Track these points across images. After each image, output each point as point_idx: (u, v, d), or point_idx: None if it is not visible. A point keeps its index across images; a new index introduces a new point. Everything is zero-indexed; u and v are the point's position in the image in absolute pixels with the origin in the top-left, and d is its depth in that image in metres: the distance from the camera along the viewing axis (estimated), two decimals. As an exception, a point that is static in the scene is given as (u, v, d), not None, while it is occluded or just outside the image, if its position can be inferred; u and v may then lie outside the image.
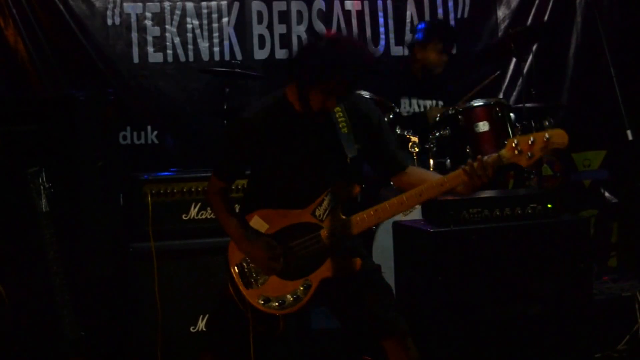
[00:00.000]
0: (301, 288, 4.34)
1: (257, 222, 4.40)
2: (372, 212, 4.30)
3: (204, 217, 5.59)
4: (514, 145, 4.14)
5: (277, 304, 4.35)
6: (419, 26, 7.36)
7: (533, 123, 6.60)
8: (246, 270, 4.41)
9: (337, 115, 4.37)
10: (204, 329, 5.42)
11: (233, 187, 4.93)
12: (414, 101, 6.87)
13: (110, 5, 7.14)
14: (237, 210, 4.60)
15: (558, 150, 4.59)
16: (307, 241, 4.34)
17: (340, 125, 4.38)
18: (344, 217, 4.30)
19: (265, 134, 4.34)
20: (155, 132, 7.18)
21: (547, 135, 4.14)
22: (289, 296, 4.34)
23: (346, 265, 4.33)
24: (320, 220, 4.32)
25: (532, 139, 4.12)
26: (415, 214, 5.77)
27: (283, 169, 4.38)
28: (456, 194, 4.40)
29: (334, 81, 4.09)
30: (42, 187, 5.17)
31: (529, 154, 4.13)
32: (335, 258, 4.32)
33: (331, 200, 4.31)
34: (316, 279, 4.33)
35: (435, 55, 6.94)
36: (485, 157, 4.16)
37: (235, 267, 4.44)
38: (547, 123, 6.66)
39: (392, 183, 4.55)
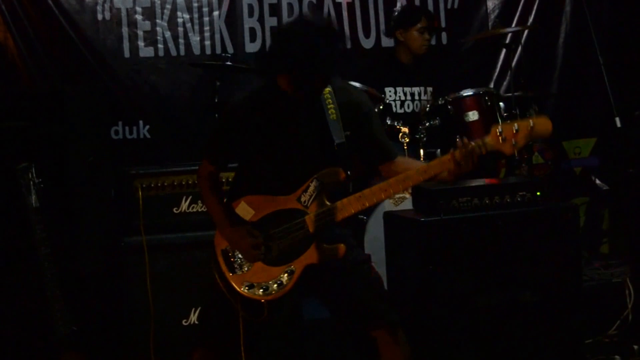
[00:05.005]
0: (285, 274, 4.33)
1: (244, 208, 4.40)
2: (356, 198, 4.30)
3: (195, 210, 5.58)
4: (498, 133, 4.15)
5: (261, 290, 4.33)
6: (398, 11, 7.42)
7: (518, 111, 6.59)
8: (231, 255, 4.40)
9: (326, 102, 4.36)
10: (196, 322, 5.40)
11: (223, 180, 4.90)
12: (400, 89, 6.81)
13: (100, 0, 7.09)
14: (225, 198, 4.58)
15: (542, 138, 4.59)
16: (292, 227, 4.33)
17: (329, 112, 4.36)
18: (329, 203, 4.30)
19: (254, 118, 4.36)
20: (147, 127, 7.14)
21: (531, 124, 4.17)
22: (272, 282, 4.33)
23: (330, 252, 4.32)
24: (305, 206, 4.32)
25: (516, 127, 4.15)
26: (406, 204, 5.77)
27: (271, 154, 4.38)
28: (440, 182, 4.42)
29: (310, 61, 4.07)
30: (32, 183, 5.15)
31: (513, 141, 4.15)
32: (319, 244, 4.31)
33: (317, 186, 4.31)
34: (300, 265, 4.32)
35: (417, 36, 6.92)
36: (469, 145, 4.16)
37: (221, 252, 4.43)
38: (531, 111, 6.63)
39: (381, 172, 4.50)
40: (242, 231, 4.35)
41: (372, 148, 4.51)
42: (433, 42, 7.82)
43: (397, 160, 4.47)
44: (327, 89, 4.37)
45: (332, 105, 4.37)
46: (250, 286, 4.35)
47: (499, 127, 4.15)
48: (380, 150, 4.50)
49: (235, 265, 4.40)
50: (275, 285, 4.31)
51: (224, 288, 4.41)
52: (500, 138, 4.16)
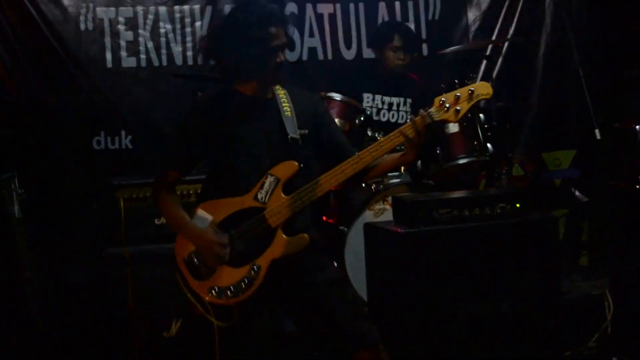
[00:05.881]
0: (251, 273, 4.34)
1: (201, 215, 4.41)
2: (313, 184, 4.36)
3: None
4: (441, 102, 4.28)
5: (229, 292, 4.35)
6: (378, 27, 7.42)
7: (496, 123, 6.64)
8: (195, 262, 4.41)
9: (281, 100, 4.44)
10: (177, 335, 5.40)
11: (185, 193, 4.90)
12: (378, 97, 6.80)
13: (83, 10, 7.06)
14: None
15: (484, 101, 4.69)
16: (252, 224, 4.35)
17: (284, 109, 4.44)
18: (285, 196, 4.32)
19: (211, 121, 4.41)
20: (129, 137, 7.09)
21: (471, 88, 4.29)
22: (240, 283, 4.34)
23: (295, 243, 4.34)
24: (262, 203, 4.34)
25: (457, 94, 4.28)
26: (387, 215, 5.79)
27: (230, 155, 4.41)
28: (401, 163, 4.58)
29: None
30: (14, 193, 5.15)
31: (457, 107, 4.27)
32: (282, 237, 4.32)
33: (272, 181, 4.34)
34: (265, 261, 4.34)
35: (390, 54, 6.87)
36: (415, 118, 4.27)
37: (184, 261, 4.44)
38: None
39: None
40: (210, 232, 4.36)
41: (330, 146, 4.58)
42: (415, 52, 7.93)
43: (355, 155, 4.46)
44: (283, 91, 4.48)
45: (286, 104, 4.46)
46: (218, 290, 4.37)
47: (442, 97, 4.27)
48: (339, 148, 4.58)
49: (201, 272, 4.41)
50: (243, 285, 4.34)
51: (191, 297, 4.43)
52: (444, 107, 4.28)
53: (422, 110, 4.31)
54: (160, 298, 5.47)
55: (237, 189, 4.39)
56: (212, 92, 4.55)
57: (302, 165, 4.38)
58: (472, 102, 4.33)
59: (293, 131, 4.41)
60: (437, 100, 4.31)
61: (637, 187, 6.07)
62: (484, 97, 4.35)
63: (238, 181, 4.40)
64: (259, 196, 4.34)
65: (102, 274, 5.63)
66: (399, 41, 6.87)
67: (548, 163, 8.09)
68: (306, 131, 4.47)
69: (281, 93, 4.48)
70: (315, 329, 4.53)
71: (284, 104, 4.46)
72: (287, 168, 4.35)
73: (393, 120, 6.86)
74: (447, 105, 4.28)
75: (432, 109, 4.29)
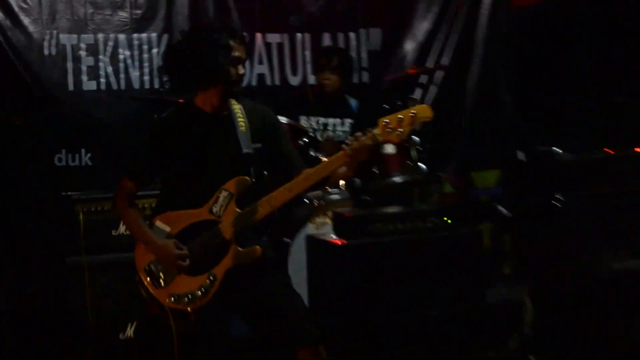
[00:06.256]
0: (207, 282, 4.36)
1: (159, 226, 4.44)
2: (265, 201, 4.36)
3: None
4: (384, 124, 4.23)
5: (187, 299, 4.37)
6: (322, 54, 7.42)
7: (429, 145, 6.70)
8: (154, 271, 4.43)
9: (237, 116, 4.46)
10: (132, 336, 5.40)
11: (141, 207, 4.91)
12: (314, 119, 6.86)
13: (47, 37, 7.05)
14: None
15: (425, 124, 4.73)
16: (208, 237, 4.38)
17: (240, 125, 4.46)
18: (238, 210, 4.34)
19: (171, 135, 4.44)
20: (89, 155, 7.08)
21: (413, 111, 4.24)
22: (197, 291, 4.37)
23: (247, 254, 4.37)
24: (217, 217, 4.36)
25: (400, 116, 4.22)
26: (327, 228, 5.80)
27: (188, 168, 4.44)
28: (342, 178, 4.65)
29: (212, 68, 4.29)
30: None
31: (399, 130, 4.22)
32: (236, 249, 4.35)
33: (226, 196, 4.36)
34: (220, 271, 4.36)
35: (325, 77, 6.95)
36: (362, 138, 4.26)
37: (144, 270, 4.46)
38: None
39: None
40: (169, 244, 4.38)
41: (281, 160, 4.61)
42: (356, 79, 7.98)
43: (303, 173, 4.48)
44: (238, 106, 4.50)
45: (242, 119, 4.48)
46: (177, 297, 4.39)
47: (386, 119, 4.23)
48: (290, 163, 4.61)
49: (160, 280, 4.43)
50: (200, 293, 4.36)
51: (151, 303, 4.46)
52: (387, 128, 4.23)
53: (367, 131, 4.31)
54: (117, 303, 5.46)
55: (193, 202, 4.42)
56: (174, 109, 4.58)
57: (254, 180, 4.43)
58: (414, 125, 4.31)
59: (247, 147, 4.44)
60: (380, 122, 4.27)
61: (554, 203, 6.14)
62: (424, 119, 4.32)
63: (194, 195, 4.42)
64: (214, 210, 4.37)
65: (62, 280, 5.60)
66: (334, 62, 6.93)
67: (476, 181, 8.17)
68: (260, 145, 4.50)
69: (236, 108, 4.50)
70: (264, 328, 4.58)
71: (239, 119, 4.47)
72: (240, 183, 4.37)
73: (330, 140, 6.87)
74: (391, 127, 4.23)
75: (376, 131, 4.27)
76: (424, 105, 4.50)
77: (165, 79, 4.61)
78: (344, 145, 4.30)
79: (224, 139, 4.46)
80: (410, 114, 4.25)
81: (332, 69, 6.93)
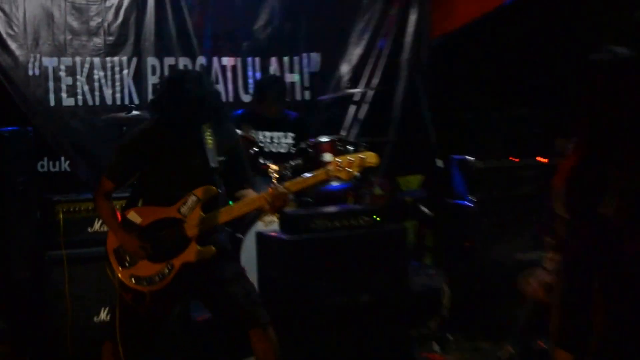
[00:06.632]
0: (165, 270, 4.37)
1: (133, 216, 4.44)
2: (223, 211, 4.42)
3: (105, 229, 5.44)
4: (338, 163, 4.36)
5: (145, 282, 4.38)
6: (255, 83, 7.43)
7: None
8: (122, 254, 4.43)
9: (205, 134, 4.46)
10: (105, 319, 5.33)
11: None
12: (261, 133, 6.79)
13: (32, 59, 6.94)
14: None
15: (371, 168, 4.76)
16: (172, 232, 4.38)
17: (207, 142, 4.46)
18: (202, 214, 4.35)
19: (147, 146, 4.44)
20: (67, 162, 7.01)
21: (362, 156, 4.41)
22: (155, 276, 4.37)
23: (203, 252, 4.38)
24: (184, 216, 4.36)
25: (351, 158, 4.37)
26: (275, 225, 5.76)
27: (160, 174, 4.45)
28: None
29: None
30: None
31: (348, 169, 4.35)
32: (194, 246, 4.36)
33: (194, 200, 4.36)
34: (178, 262, 4.36)
35: (266, 107, 6.92)
36: (277, 190, 4.36)
37: (113, 252, 4.45)
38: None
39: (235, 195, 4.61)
40: (132, 236, 4.39)
41: (236, 175, 4.61)
42: (299, 97, 7.96)
43: (248, 190, 4.58)
44: (207, 125, 4.49)
45: (210, 137, 4.47)
46: (137, 279, 4.39)
47: (339, 159, 4.38)
48: (241, 179, 4.63)
49: (125, 262, 4.43)
50: (157, 278, 4.36)
51: (115, 282, 4.45)
52: (339, 167, 4.36)
53: (321, 170, 4.44)
54: (92, 291, 5.43)
55: (163, 201, 4.43)
56: (152, 123, 4.55)
57: (220, 191, 4.44)
58: (362, 168, 4.45)
59: (213, 161, 4.44)
60: (334, 162, 4.41)
61: (467, 203, 6.18)
62: (370, 165, 4.47)
63: (164, 195, 4.43)
64: (182, 210, 4.37)
65: (43, 272, 5.57)
66: (273, 94, 6.91)
67: (401, 185, 8.16)
68: (224, 158, 4.51)
69: (206, 126, 4.50)
70: (221, 312, 4.58)
71: (207, 137, 4.47)
72: (208, 191, 4.40)
73: (275, 151, 6.87)
74: (342, 166, 4.36)
75: (330, 167, 4.39)
76: (372, 153, 4.54)
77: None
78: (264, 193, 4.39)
79: (193, 152, 4.47)
80: (360, 158, 4.42)
81: (272, 101, 6.91)
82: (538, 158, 6.03)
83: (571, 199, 3.38)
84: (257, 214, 6.07)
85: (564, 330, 3.47)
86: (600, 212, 3.23)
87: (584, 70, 3.33)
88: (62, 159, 7.05)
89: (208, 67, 7.58)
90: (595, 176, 3.24)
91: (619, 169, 3.21)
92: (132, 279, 4.42)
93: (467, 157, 6.23)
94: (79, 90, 7.16)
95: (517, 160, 6.20)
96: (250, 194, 4.53)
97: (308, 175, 4.52)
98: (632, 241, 3.22)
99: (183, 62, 7.48)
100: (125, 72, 7.32)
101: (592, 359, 3.38)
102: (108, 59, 7.26)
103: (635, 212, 3.21)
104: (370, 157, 4.47)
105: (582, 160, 3.31)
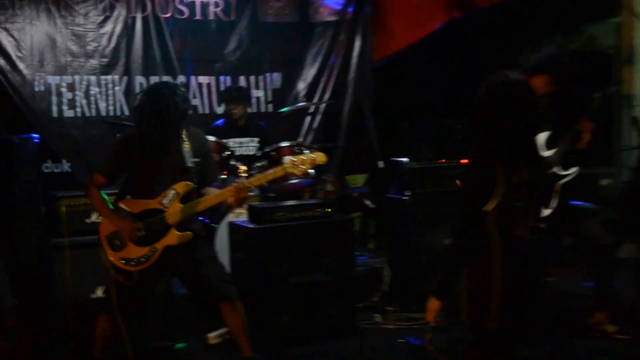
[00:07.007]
0: (150, 252, 4.41)
1: (123, 207, 4.48)
2: (196, 202, 4.45)
3: (100, 220, 5.47)
4: (293, 161, 4.47)
5: (133, 262, 4.41)
6: (225, 91, 7.40)
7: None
8: (113, 239, 4.46)
9: (183, 139, 4.49)
10: (101, 296, 5.33)
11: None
12: (232, 140, 6.79)
13: (37, 78, 6.93)
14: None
15: (321, 167, 4.82)
16: (155, 220, 4.41)
17: (184, 145, 4.49)
18: (180, 205, 4.39)
19: (133, 148, 4.45)
20: (68, 164, 7.01)
21: (313, 156, 4.53)
22: (141, 258, 4.41)
23: (182, 237, 4.42)
24: (165, 207, 4.40)
25: (304, 158, 4.49)
26: (243, 217, 5.77)
27: (144, 172, 4.46)
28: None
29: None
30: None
31: (302, 167, 4.48)
32: (174, 232, 4.40)
33: (174, 194, 4.40)
34: (161, 245, 4.40)
35: (231, 107, 6.91)
36: (242, 184, 4.41)
37: (105, 238, 4.47)
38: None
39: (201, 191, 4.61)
40: (128, 220, 4.42)
41: (204, 174, 4.62)
42: (264, 109, 7.98)
43: (210, 188, 4.60)
44: (184, 131, 4.52)
45: (186, 141, 4.51)
46: (127, 260, 4.42)
47: (294, 158, 4.49)
48: (208, 177, 4.64)
49: (115, 247, 4.45)
50: (143, 259, 4.40)
51: (108, 264, 4.47)
52: (293, 164, 4.46)
53: (279, 167, 4.51)
54: (89, 272, 5.38)
55: (147, 194, 4.45)
56: (137, 129, 4.54)
57: (195, 186, 4.47)
58: (313, 166, 4.57)
59: (190, 162, 4.47)
60: (290, 160, 4.49)
61: (404, 198, 6.21)
62: (320, 163, 4.59)
63: (149, 190, 4.46)
64: (164, 201, 4.41)
65: (48, 256, 5.52)
66: (235, 94, 6.96)
67: (349, 182, 8.26)
68: (198, 160, 4.53)
69: (184, 132, 4.53)
70: (196, 288, 4.60)
71: (184, 141, 4.50)
72: (185, 186, 4.43)
73: (244, 154, 6.87)
74: (296, 164, 4.48)
75: (286, 165, 4.47)
76: (322, 154, 4.63)
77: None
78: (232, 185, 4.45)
79: (172, 154, 4.48)
80: (312, 157, 4.54)
81: (234, 101, 6.90)
82: (461, 160, 6.09)
83: (466, 192, 3.46)
84: (229, 208, 6.11)
85: (439, 284, 3.58)
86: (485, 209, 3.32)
87: (483, 88, 3.43)
88: (64, 161, 7.05)
89: (187, 85, 7.57)
90: (486, 173, 3.32)
91: (504, 167, 3.31)
92: (122, 261, 4.45)
93: (403, 159, 6.27)
94: (78, 104, 7.14)
95: (443, 161, 6.25)
96: (212, 191, 4.55)
97: (268, 171, 4.60)
98: (508, 232, 3.32)
99: (166, 79, 7.44)
100: (117, 88, 7.30)
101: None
102: (102, 77, 7.24)
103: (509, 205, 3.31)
104: (319, 157, 4.58)
105: (476, 160, 3.40)
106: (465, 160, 3.42)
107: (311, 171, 6.42)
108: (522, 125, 3.35)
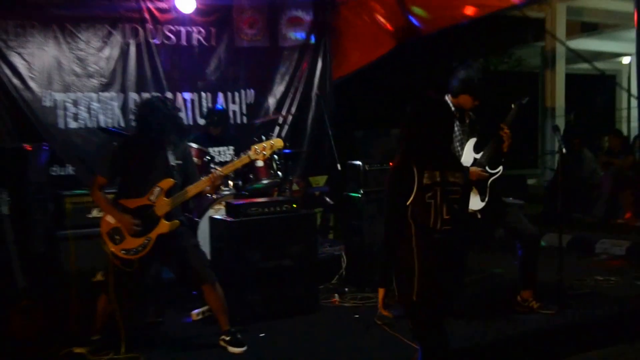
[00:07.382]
0: (145, 241, 4.44)
1: (121, 205, 4.50)
2: (180, 194, 4.51)
3: (100, 215, 5.46)
4: (255, 149, 4.58)
5: (132, 252, 4.43)
6: (207, 112, 7.35)
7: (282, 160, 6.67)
8: (113, 234, 4.47)
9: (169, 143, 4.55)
10: (100, 279, 5.32)
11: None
12: (211, 148, 6.72)
13: (46, 94, 6.86)
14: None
15: (279, 152, 4.85)
16: (146, 214, 4.45)
17: (169, 149, 4.56)
18: (166, 199, 4.43)
19: (128, 153, 4.51)
20: (73, 168, 6.95)
21: (272, 142, 4.65)
22: (139, 247, 4.43)
23: (170, 226, 4.47)
24: (152, 202, 4.43)
25: (265, 145, 4.59)
26: (222, 212, 5.77)
27: (137, 172, 4.48)
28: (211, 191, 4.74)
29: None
30: (2, 200, 5.04)
31: (264, 153, 4.59)
32: (163, 222, 4.45)
33: (159, 190, 4.45)
34: (154, 235, 4.43)
35: (212, 128, 6.88)
36: (217, 172, 4.54)
37: (106, 233, 4.48)
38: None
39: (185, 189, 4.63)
40: (128, 216, 4.44)
41: (187, 174, 4.65)
42: (239, 121, 7.95)
43: (190, 186, 4.62)
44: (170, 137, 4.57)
45: (170, 146, 4.57)
46: (126, 250, 4.44)
47: (256, 146, 4.59)
48: (189, 176, 4.67)
49: (116, 239, 4.46)
50: (141, 248, 4.43)
51: (110, 255, 4.48)
52: (256, 151, 4.56)
53: (244, 156, 4.58)
54: (90, 259, 5.39)
55: (138, 193, 4.48)
56: (131, 136, 4.60)
57: (176, 182, 4.49)
58: (273, 150, 4.65)
59: (172, 161, 4.52)
60: (253, 148, 4.58)
61: (358, 195, 6.24)
62: (279, 148, 4.72)
63: (141, 189, 4.48)
64: (151, 198, 4.45)
65: (55, 247, 5.53)
66: (215, 119, 6.91)
67: (312, 182, 8.30)
68: (180, 162, 4.58)
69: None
70: (182, 272, 4.65)
71: (169, 145, 4.56)
72: (167, 183, 4.47)
73: (223, 159, 6.78)
74: (259, 151, 4.54)
75: (250, 153, 4.57)
76: (279, 139, 4.68)
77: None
78: (213, 171, 4.58)
79: (159, 157, 4.51)
80: (271, 143, 4.60)
81: (214, 124, 6.87)
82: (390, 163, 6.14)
83: (391, 190, 3.50)
84: (209, 203, 6.12)
85: (380, 274, 3.61)
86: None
87: (410, 105, 3.52)
88: (69, 166, 6.97)
89: (173, 100, 7.52)
90: (405, 174, 3.39)
91: (417, 170, 3.38)
92: (123, 251, 4.46)
93: (358, 162, 6.32)
94: (81, 117, 7.06)
95: (391, 164, 6.29)
96: (192, 189, 4.58)
97: (236, 159, 4.68)
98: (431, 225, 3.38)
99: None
100: (114, 103, 7.24)
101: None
102: (102, 94, 7.18)
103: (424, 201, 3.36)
104: (277, 142, 4.70)
105: (400, 164, 3.48)
106: (391, 163, 3.50)
107: (279, 173, 6.48)
108: (438, 136, 3.44)
